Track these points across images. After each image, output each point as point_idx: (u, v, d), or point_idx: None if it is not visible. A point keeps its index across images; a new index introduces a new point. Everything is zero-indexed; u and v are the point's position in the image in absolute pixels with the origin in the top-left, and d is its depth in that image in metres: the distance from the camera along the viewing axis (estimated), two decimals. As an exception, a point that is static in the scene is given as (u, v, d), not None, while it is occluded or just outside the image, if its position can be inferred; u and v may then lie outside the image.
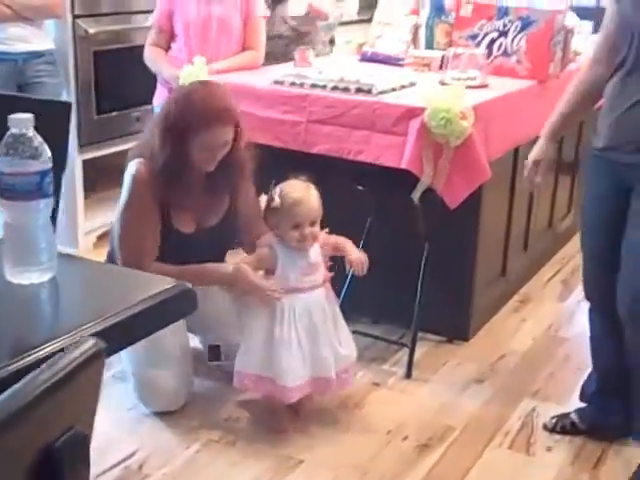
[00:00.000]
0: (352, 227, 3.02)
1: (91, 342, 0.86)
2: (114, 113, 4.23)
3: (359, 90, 3.12)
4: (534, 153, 2.65)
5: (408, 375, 3.13)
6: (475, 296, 3.37)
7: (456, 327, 3.39)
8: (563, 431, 2.77)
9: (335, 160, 3.13)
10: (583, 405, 2.81)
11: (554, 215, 4.22)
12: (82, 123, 4.03)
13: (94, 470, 2.50)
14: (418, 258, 3.19)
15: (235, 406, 2.91)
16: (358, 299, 3.24)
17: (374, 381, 3.09)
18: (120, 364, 2.94)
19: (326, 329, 2.68)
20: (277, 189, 2.66)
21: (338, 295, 2.95)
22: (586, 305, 2.76)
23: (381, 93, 3.12)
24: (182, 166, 2.68)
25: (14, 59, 3.64)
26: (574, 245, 4.52)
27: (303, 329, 2.65)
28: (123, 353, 2.86)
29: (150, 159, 2.69)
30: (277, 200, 2.64)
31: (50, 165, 1.33)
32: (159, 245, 2.73)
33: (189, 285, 1.32)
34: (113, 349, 1.23)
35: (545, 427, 2.80)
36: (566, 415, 2.80)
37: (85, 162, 4.17)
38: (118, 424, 2.79)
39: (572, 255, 4.32)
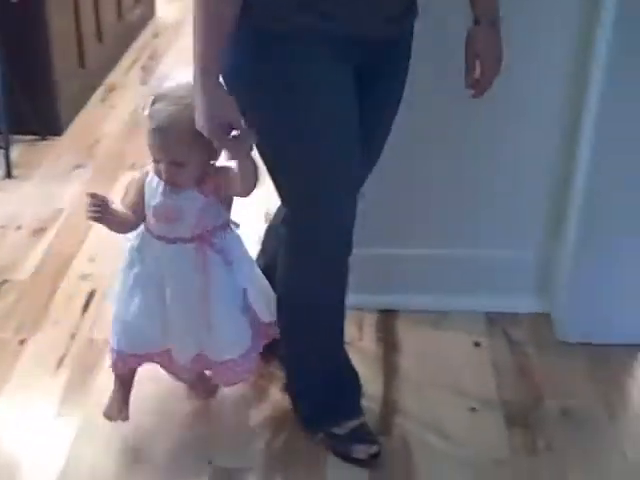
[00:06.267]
0: None
1: None
2: None
3: None
4: None
5: (9, 175, 3.22)
6: (58, 91, 3.49)
7: (47, 124, 3.48)
8: None
9: None
10: None
11: (122, 5, 4.36)
12: None
13: None
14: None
15: None
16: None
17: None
18: None
19: (184, 298, 1.93)
20: (151, 98, 1.83)
21: None
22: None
23: None
24: None
25: None
26: (148, 33, 4.77)
27: (150, 284, 1.94)
28: None
29: None
30: (144, 115, 1.83)
31: None
32: None
33: None
34: None
35: None
36: None
37: None
38: None
39: (148, 42, 4.57)
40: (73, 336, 2.36)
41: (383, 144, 1.94)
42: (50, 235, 2.85)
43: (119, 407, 2.02)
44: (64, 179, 3.21)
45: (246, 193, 1.82)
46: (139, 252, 1.93)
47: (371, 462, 1.95)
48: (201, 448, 1.99)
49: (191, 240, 1.89)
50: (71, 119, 3.64)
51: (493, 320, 2.43)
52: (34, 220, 2.93)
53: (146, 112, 1.81)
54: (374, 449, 1.97)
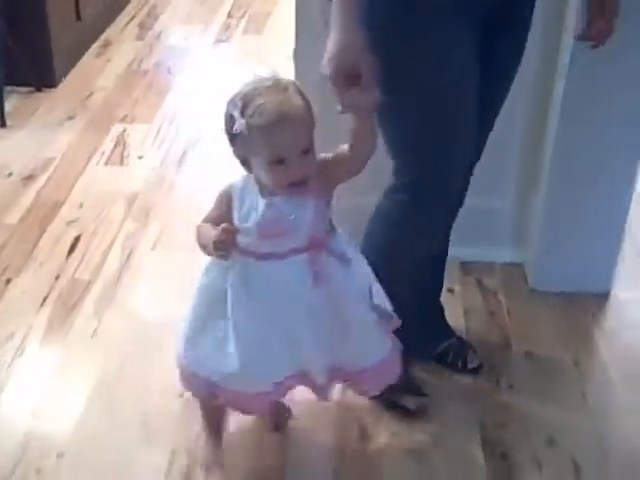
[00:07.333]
0: None
1: None
2: None
3: None
4: None
5: (3, 124, 3.27)
6: (54, 43, 3.53)
7: (41, 75, 3.53)
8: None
9: None
10: None
11: (121, -38, 4.40)
12: None
13: None
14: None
15: None
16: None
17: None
18: None
19: (312, 313, 1.72)
20: (237, 101, 1.61)
21: None
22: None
23: None
24: None
25: None
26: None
27: (266, 312, 1.72)
28: None
29: None
30: (241, 122, 1.59)
31: None
32: None
33: None
34: None
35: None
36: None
37: None
38: None
39: (145, 1, 4.62)
40: (57, 277, 2.43)
41: (500, 105, 1.93)
42: (40, 182, 2.91)
43: (213, 452, 1.90)
44: (56, 129, 3.26)
45: (366, 158, 1.66)
46: (244, 285, 1.70)
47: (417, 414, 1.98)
48: (172, 382, 2.00)
49: (306, 248, 1.68)
50: (66, 72, 3.69)
51: (467, 269, 2.49)
52: (25, 168, 2.98)
53: (242, 120, 1.57)
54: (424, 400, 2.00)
